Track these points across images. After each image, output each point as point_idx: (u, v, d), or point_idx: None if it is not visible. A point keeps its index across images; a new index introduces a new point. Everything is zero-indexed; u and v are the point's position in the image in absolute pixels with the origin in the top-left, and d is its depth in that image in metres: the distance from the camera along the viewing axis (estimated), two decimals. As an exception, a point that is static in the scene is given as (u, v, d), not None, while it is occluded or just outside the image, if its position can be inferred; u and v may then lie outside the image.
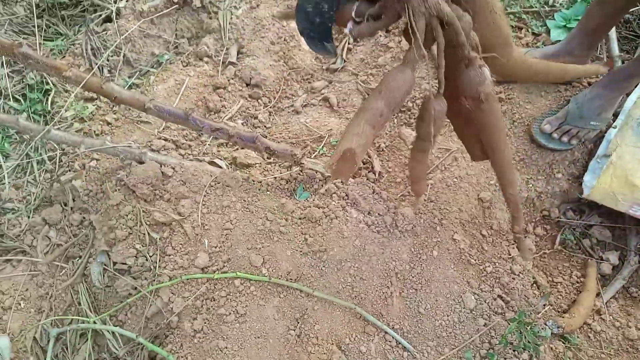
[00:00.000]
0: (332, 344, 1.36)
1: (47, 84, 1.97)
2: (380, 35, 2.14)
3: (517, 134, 1.76)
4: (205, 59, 2.15)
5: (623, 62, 1.86)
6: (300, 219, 1.57)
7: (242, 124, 1.99)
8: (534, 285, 1.59)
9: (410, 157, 1.22)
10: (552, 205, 1.77)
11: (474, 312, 1.47)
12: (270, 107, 2.08)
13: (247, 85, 2.11)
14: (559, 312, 1.56)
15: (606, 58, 1.91)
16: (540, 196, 1.75)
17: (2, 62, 1.96)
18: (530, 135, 1.72)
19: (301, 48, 2.20)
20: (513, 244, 1.68)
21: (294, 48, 2.19)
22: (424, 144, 1.13)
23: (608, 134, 1.64)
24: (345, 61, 2.19)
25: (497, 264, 1.60)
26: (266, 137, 1.97)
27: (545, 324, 1.47)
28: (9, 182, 1.74)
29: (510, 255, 1.63)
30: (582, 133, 1.66)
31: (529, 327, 1.38)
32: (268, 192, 1.66)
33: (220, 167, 1.72)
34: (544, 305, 1.54)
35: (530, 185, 1.73)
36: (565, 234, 1.74)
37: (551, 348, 1.46)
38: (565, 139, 1.67)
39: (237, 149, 1.84)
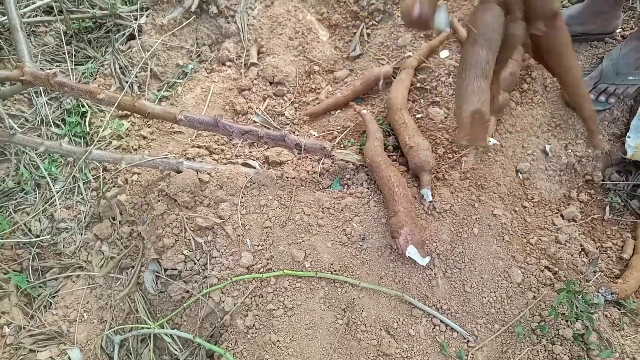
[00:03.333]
0: (381, 329, 1.38)
1: (83, 106, 2.07)
2: (398, 16, 2.11)
3: (551, 99, 1.70)
4: (228, 63, 2.19)
5: (658, 10, 1.76)
6: (336, 210, 1.59)
7: (268, 122, 2.03)
8: (582, 252, 1.55)
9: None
10: (594, 169, 1.71)
11: (521, 286, 1.45)
12: (296, 103, 2.10)
13: (271, 83, 2.13)
14: (611, 278, 1.51)
15: (639, 8, 1.81)
16: (581, 160, 1.70)
17: (40, 91, 2.07)
18: (564, 98, 1.66)
19: (320, 40, 2.20)
20: (557, 213, 1.64)
21: (312, 41, 2.20)
22: (499, 67, 1.10)
23: (648, 89, 1.57)
24: (363, 48, 2.18)
25: (541, 235, 1.57)
26: (294, 133, 1.99)
27: (598, 291, 1.44)
28: (60, 204, 1.85)
29: (554, 224, 1.60)
30: (619, 90, 1.59)
31: (580, 295, 1.35)
32: (303, 187, 1.69)
33: (254, 167, 1.76)
34: (594, 272, 1.50)
35: (570, 150, 1.68)
36: (611, 197, 1.68)
37: (606, 315, 1.42)
38: (602, 98, 1.61)
39: (268, 148, 1.88)
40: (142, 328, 1.59)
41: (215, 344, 1.50)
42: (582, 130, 1.67)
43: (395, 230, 1.43)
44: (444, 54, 1.93)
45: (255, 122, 2.01)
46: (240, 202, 1.62)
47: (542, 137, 1.68)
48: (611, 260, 1.56)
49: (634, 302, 1.45)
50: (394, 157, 1.77)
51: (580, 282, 1.46)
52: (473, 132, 0.99)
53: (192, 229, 1.61)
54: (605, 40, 1.72)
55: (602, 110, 1.64)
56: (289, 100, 2.10)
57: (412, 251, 1.40)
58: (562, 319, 1.38)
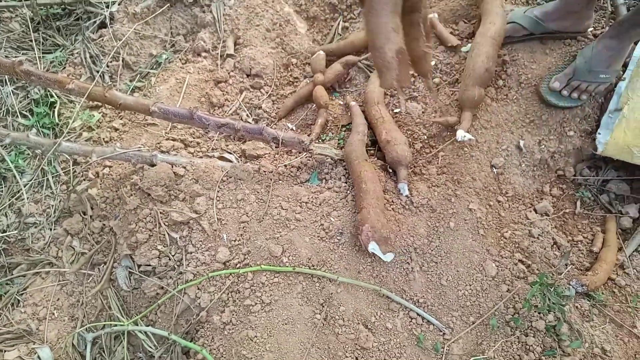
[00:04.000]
0: (359, 323, 1.39)
1: (52, 96, 1.99)
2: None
3: (525, 95, 1.73)
4: (203, 54, 2.14)
5: (628, 10, 1.81)
6: (314, 204, 1.59)
7: (246, 115, 2.00)
8: (554, 246, 1.58)
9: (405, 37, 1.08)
10: (566, 165, 1.75)
11: (495, 279, 1.48)
12: (274, 96, 2.08)
13: (248, 75, 2.10)
14: (581, 270, 1.56)
15: (610, 7, 1.85)
16: (554, 156, 1.73)
17: (5, 80, 1.98)
18: (539, 95, 1.69)
19: (298, 32, 2.17)
20: (530, 207, 1.67)
21: (290, 33, 2.17)
22: (413, 15, 1.01)
23: (618, 88, 1.60)
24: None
25: (515, 229, 1.60)
26: (272, 126, 1.97)
27: (569, 284, 1.47)
28: (27, 198, 1.78)
29: (528, 218, 1.63)
30: (592, 87, 1.62)
31: (552, 288, 1.39)
32: (280, 181, 1.67)
33: (231, 161, 1.73)
34: (566, 265, 1.54)
35: (543, 146, 1.71)
36: (582, 191, 1.72)
37: (577, 307, 1.46)
38: (575, 95, 1.64)
39: (245, 141, 1.85)
40: (116, 325, 1.55)
41: (191, 341, 1.48)
42: (555, 127, 1.71)
43: (359, 226, 1.44)
44: (422, 48, 1.93)
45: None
46: (217, 196, 1.59)
47: (517, 132, 1.71)
48: (582, 253, 1.61)
49: (602, 293, 1.50)
50: (372, 151, 1.77)
51: (553, 275, 1.50)
52: (400, 72, 0.93)
53: (166, 223, 1.57)
54: (578, 39, 1.75)
55: (575, 107, 1.68)
56: (267, 93, 2.07)
57: (374, 247, 1.40)
58: (535, 311, 1.41)
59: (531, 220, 1.62)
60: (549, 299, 1.37)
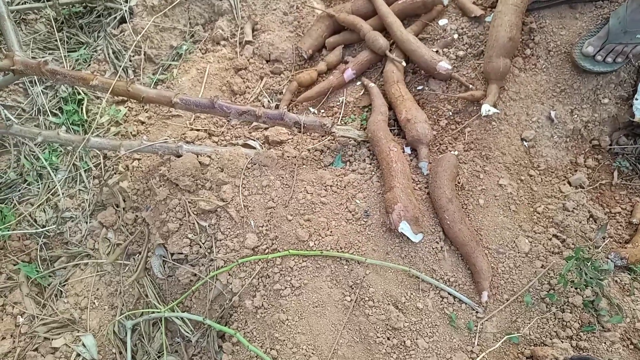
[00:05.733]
0: (389, 304, 1.38)
1: (79, 94, 2.04)
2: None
3: (555, 63, 1.65)
4: (222, 42, 2.14)
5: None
6: (339, 187, 1.58)
7: (267, 101, 1.99)
8: (591, 219, 1.52)
9: None
10: (601, 134, 1.67)
11: (529, 255, 1.44)
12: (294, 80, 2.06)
13: (267, 61, 2.09)
14: (620, 243, 1.50)
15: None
16: (588, 125, 1.66)
17: (35, 81, 2.04)
18: (572, 61, 1.61)
19: (315, 14, 2.14)
20: (564, 180, 1.61)
21: (307, 15, 2.14)
22: None
23: (656, 48, 1.51)
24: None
25: (548, 203, 1.55)
26: (293, 111, 1.96)
27: (607, 257, 1.42)
28: (62, 193, 1.84)
29: (561, 192, 1.57)
30: (628, 49, 1.53)
31: (589, 262, 1.34)
32: (304, 166, 1.67)
33: (254, 148, 1.74)
34: (603, 238, 1.48)
35: (576, 115, 1.64)
36: (619, 161, 1.64)
37: (616, 281, 1.41)
38: (610, 58, 1.55)
39: (268, 128, 1.85)
40: (153, 312, 1.60)
41: (225, 325, 1.52)
42: (588, 95, 1.63)
43: (389, 205, 1.42)
44: (442, 21, 1.87)
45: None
46: (242, 183, 1.61)
47: (547, 103, 1.64)
48: (620, 225, 1.54)
49: (643, 266, 1.44)
50: (395, 131, 1.74)
51: (589, 248, 1.45)
52: None
53: (195, 212, 1.60)
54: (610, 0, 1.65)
55: (609, 72, 1.59)
56: (287, 77, 2.05)
57: (404, 227, 1.39)
58: (571, 287, 1.37)
59: (565, 193, 1.57)
60: (586, 274, 1.32)
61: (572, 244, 1.46)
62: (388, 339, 1.35)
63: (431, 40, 1.88)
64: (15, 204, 1.85)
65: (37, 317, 1.65)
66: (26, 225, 1.82)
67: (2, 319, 1.62)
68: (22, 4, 2.20)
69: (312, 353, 1.34)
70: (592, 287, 1.35)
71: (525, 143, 1.62)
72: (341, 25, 2.02)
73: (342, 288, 1.42)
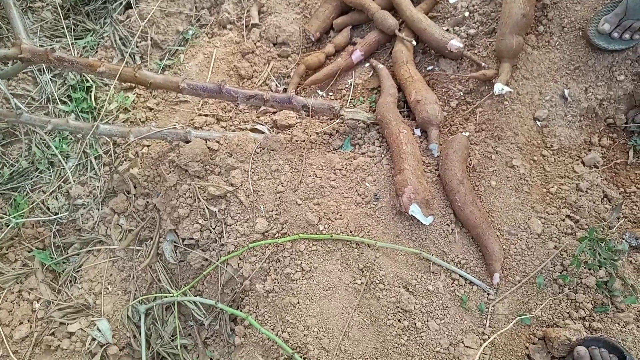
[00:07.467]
0: (399, 287, 1.38)
1: (88, 81, 2.04)
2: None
3: (569, 40, 1.61)
4: (229, 26, 2.12)
5: None
6: (348, 170, 1.57)
7: (275, 85, 1.97)
8: (605, 199, 1.50)
9: None
10: (617, 112, 1.63)
11: (542, 236, 1.43)
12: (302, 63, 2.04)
13: (274, 44, 2.07)
14: (635, 223, 1.47)
15: None
16: (603, 103, 1.62)
17: (43, 69, 2.04)
18: (587, 38, 1.56)
19: (322, -6, 2.10)
20: (577, 160, 1.58)
21: (314, -4, 2.10)
22: None
23: (675, 22, 1.46)
24: None
25: (562, 183, 1.52)
26: (301, 94, 1.94)
27: (622, 238, 1.40)
28: (74, 180, 1.86)
29: (575, 172, 1.54)
30: (647, 25, 1.48)
31: (603, 243, 1.32)
32: (313, 150, 1.66)
33: (263, 132, 1.73)
34: (618, 218, 1.45)
35: (590, 93, 1.60)
36: (636, 139, 1.60)
37: (630, 262, 1.39)
38: (627, 35, 1.50)
39: (276, 112, 1.84)
40: (166, 297, 1.62)
41: (237, 309, 1.53)
42: (604, 72, 1.59)
43: (400, 188, 1.41)
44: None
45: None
46: (251, 168, 1.60)
47: (561, 81, 1.60)
48: (635, 205, 1.51)
49: (659, 246, 1.41)
50: (405, 112, 1.71)
51: (603, 229, 1.42)
52: None
53: (205, 198, 1.60)
54: (629, -28, 1.59)
55: (625, 49, 1.54)
56: (294, 60, 2.03)
57: (415, 210, 1.38)
58: (584, 268, 1.36)
59: (579, 173, 1.54)
60: (600, 254, 1.31)
61: (586, 224, 1.44)
62: (399, 321, 1.35)
63: (441, 19, 1.84)
64: (27, 191, 1.87)
65: (52, 302, 1.68)
66: (39, 212, 1.84)
67: (19, 305, 1.66)
68: (28, -9, 2.19)
69: (324, 335, 1.34)
70: (605, 268, 1.33)
71: (538, 123, 1.59)
72: (348, 6, 1.98)
73: (353, 271, 1.42)
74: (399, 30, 1.81)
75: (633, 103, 1.63)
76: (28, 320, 1.64)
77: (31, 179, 1.90)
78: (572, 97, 1.59)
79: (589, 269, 1.35)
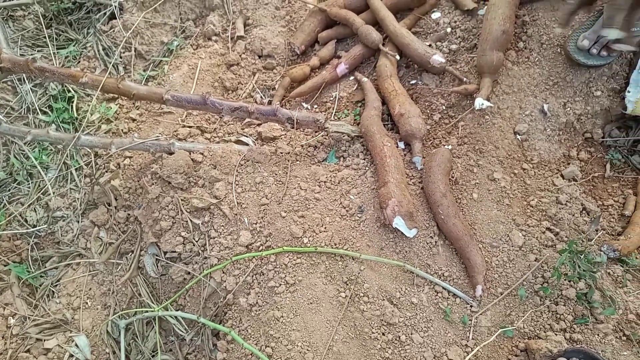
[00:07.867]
0: (384, 299, 1.38)
1: (69, 91, 2.02)
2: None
3: (548, 56, 1.65)
4: (214, 37, 2.12)
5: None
6: (333, 183, 1.57)
7: (260, 97, 1.98)
8: (584, 212, 1.53)
9: None
10: (594, 126, 1.67)
11: (523, 248, 1.45)
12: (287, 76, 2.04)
13: (260, 57, 2.07)
14: (613, 235, 1.50)
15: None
16: (580, 118, 1.66)
17: (23, 79, 2.01)
18: (566, 54, 1.61)
19: (307, 8, 2.12)
20: (557, 173, 1.61)
21: (299, 10, 2.12)
22: None
23: (648, 40, 1.51)
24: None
25: (542, 196, 1.55)
26: (286, 106, 1.95)
27: (600, 250, 1.43)
28: (53, 192, 1.82)
29: (555, 185, 1.58)
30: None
31: (582, 255, 1.34)
32: (298, 162, 1.66)
33: (247, 144, 1.72)
34: (596, 230, 1.48)
35: (568, 108, 1.64)
36: (612, 154, 1.65)
37: (609, 273, 1.42)
38: (605, 52, 1.55)
39: (261, 124, 1.84)
40: (147, 311, 1.59)
41: (220, 323, 1.51)
42: (581, 87, 1.63)
43: (384, 201, 1.42)
44: (435, 15, 1.86)
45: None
46: (235, 180, 1.59)
47: (540, 96, 1.64)
48: (613, 217, 1.55)
49: (636, 258, 1.45)
50: (388, 125, 1.73)
51: (583, 241, 1.45)
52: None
53: (188, 210, 1.59)
54: (603, -8, 1.65)
55: (602, 65, 1.59)
56: (279, 73, 2.04)
57: (399, 222, 1.39)
58: (565, 280, 1.38)
59: (558, 186, 1.57)
60: (579, 267, 1.33)
61: (566, 236, 1.46)
62: (383, 334, 1.35)
63: (424, 34, 1.87)
64: (5, 203, 1.83)
65: (28, 318, 1.63)
66: (17, 225, 1.79)
67: (-6, 320, 1.61)
68: (10, 0, 2.17)
69: (307, 350, 1.33)
70: (585, 280, 1.36)
71: (518, 136, 1.62)
72: (334, 20, 2.00)
73: (337, 284, 1.42)
74: (383, 44, 1.84)
75: (609, 118, 1.68)
76: (2, 337, 1.59)
77: (9, 190, 1.86)
78: (551, 111, 1.63)
79: (569, 281, 1.38)
